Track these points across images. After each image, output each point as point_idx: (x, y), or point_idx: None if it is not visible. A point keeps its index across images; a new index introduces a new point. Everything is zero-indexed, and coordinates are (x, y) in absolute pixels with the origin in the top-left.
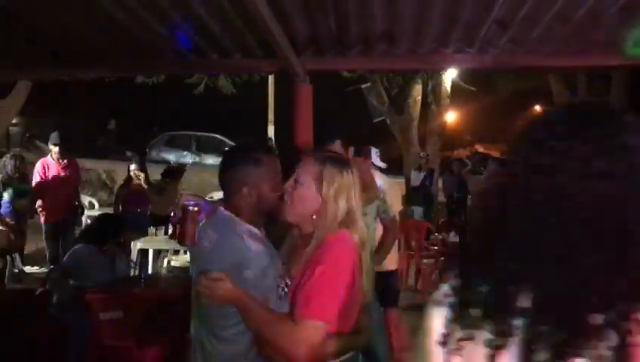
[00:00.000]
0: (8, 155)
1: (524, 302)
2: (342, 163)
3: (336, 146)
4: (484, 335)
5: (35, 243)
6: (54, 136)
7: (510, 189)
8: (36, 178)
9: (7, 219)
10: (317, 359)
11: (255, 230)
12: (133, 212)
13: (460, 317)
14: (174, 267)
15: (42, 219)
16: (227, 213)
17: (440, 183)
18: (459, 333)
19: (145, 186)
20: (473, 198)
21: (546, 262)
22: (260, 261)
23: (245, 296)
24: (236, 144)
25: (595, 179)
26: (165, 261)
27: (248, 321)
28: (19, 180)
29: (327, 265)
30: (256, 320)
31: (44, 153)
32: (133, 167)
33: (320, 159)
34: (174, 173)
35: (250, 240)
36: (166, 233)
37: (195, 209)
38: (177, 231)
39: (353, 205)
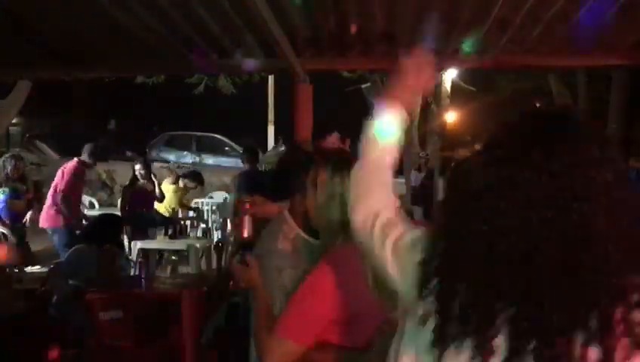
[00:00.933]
0: (8, 155)
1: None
2: (338, 164)
3: (333, 138)
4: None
5: (35, 243)
6: (91, 147)
7: (470, 207)
8: (70, 181)
9: (6, 220)
10: None
11: (301, 234)
12: (138, 212)
13: (441, 329)
14: (175, 266)
15: (64, 222)
16: (286, 212)
17: (440, 183)
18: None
19: (150, 186)
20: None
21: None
22: (278, 260)
23: (259, 289)
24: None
25: (565, 199)
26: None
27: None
28: (16, 180)
29: (306, 283)
30: (255, 317)
31: (44, 153)
32: (137, 167)
33: (317, 163)
34: (200, 178)
35: (284, 239)
36: (166, 233)
37: (248, 206)
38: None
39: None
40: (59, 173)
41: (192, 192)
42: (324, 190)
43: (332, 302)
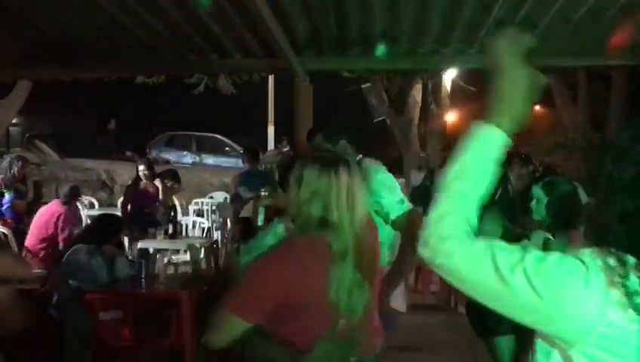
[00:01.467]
0: (13, 156)
1: None
2: (325, 163)
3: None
4: None
5: None
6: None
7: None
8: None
9: (8, 220)
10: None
11: (290, 230)
12: (138, 212)
13: None
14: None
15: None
16: None
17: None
18: None
19: (152, 186)
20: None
21: None
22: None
23: (235, 280)
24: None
25: None
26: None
27: None
28: (19, 181)
29: (261, 261)
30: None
31: (44, 153)
32: (141, 167)
33: (303, 160)
34: (178, 176)
35: (272, 235)
36: (166, 233)
37: (262, 194)
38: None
39: (332, 210)
40: (47, 219)
41: (191, 192)
42: (308, 186)
43: (284, 284)
